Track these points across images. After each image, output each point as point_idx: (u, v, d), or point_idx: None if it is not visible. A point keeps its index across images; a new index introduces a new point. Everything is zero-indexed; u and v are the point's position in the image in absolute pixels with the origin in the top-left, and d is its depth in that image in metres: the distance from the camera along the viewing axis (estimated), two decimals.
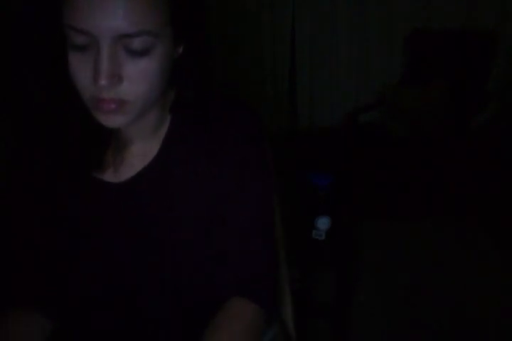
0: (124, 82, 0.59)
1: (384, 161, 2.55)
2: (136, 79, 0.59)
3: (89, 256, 0.72)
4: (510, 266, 2.05)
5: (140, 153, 0.72)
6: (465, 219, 2.37)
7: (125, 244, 0.72)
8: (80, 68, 0.59)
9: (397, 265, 2.09)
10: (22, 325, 0.71)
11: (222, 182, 0.70)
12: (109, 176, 0.72)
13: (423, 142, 2.55)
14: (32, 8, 0.63)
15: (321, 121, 3.28)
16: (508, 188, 2.49)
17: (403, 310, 1.84)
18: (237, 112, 0.72)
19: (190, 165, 0.71)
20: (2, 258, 0.74)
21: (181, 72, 0.69)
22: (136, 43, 0.57)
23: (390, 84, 2.96)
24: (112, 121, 0.62)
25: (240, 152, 0.71)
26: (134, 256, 0.72)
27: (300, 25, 3.07)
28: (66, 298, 0.75)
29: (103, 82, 0.56)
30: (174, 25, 0.61)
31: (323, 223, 1.51)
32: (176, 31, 0.62)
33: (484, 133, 2.66)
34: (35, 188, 0.73)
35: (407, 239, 2.27)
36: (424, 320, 1.79)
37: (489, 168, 2.64)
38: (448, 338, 1.72)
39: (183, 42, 0.66)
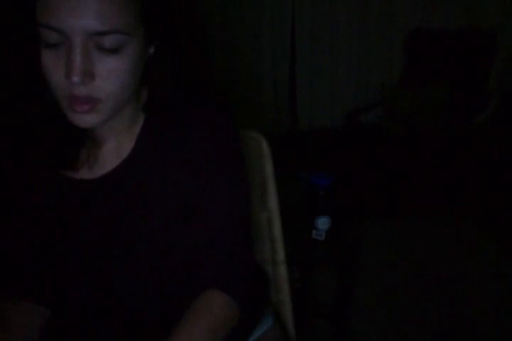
0: (96, 79, 0.60)
1: (384, 161, 2.55)
2: (107, 78, 0.61)
3: (67, 251, 0.74)
4: (510, 265, 2.05)
5: (114, 151, 0.73)
6: (465, 219, 2.37)
7: (100, 239, 0.73)
8: (53, 66, 0.60)
9: (397, 265, 2.09)
10: (16, 315, 0.73)
11: (193, 179, 0.72)
12: (83, 173, 0.73)
13: (423, 142, 2.56)
14: (4, 6, 0.63)
15: (321, 122, 3.28)
16: (508, 188, 2.49)
17: (403, 310, 1.84)
18: (208, 112, 0.73)
19: (163, 163, 0.72)
20: None
21: (154, 71, 0.70)
22: (108, 41, 0.59)
23: (390, 84, 2.96)
24: (83, 121, 0.63)
25: (211, 150, 0.72)
26: (109, 251, 0.73)
27: (300, 25, 3.07)
28: (53, 290, 0.77)
29: (75, 78, 0.58)
30: (145, 25, 0.62)
31: (323, 223, 1.51)
32: (147, 31, 0.63)
33: (484, 133, 2.66)
34: (8, 187, 0.74)
35: (407, 239, 2.27)
36: (425, 319, 1.79)
37: (489, 168, 2.64)
38: (448, 338, 1.72)
39: (154, 42, 0.67)
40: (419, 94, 2.68)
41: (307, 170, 1.64)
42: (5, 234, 0.76)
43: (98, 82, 0.60)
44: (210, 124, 0.72)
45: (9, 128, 0.74)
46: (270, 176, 0.95)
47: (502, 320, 1.77)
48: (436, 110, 2.65)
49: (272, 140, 0.95)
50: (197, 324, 0.68)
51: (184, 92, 0.75)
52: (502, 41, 2.85)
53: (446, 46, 2.80)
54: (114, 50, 0.60)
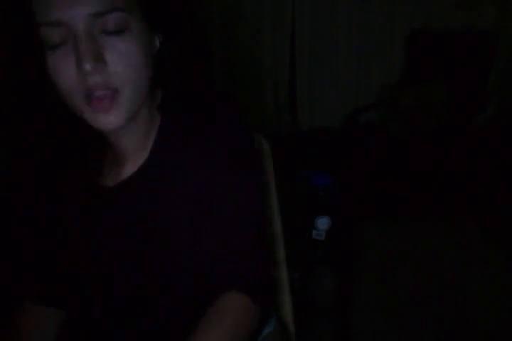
0: (108, 65, 0.60)
1: (384, 161, 2.55)
2: (119, 61, 0.60)
3: (86, 256, 0.74)
4: (509, 266, 2.05)
5: (132, 156, 0.73)
6: (464, 220, 2.37)
7: (118, 243, 0.73)
8: (62, 67, 0.59)
9: (397, 265, 2.09)
10: (33, 318, 0.74)
11: (210, 182, 0.71)
12: (104, 180, 0.73)
13: (423, 142, 2.55)
14: (3, 13, 0.63)
15: (321, 121, 3.28)
16: (508, 188, 2.49)
17: (403, 310, 1.84)
18: (225, 113, 0.72)
19: (177, 168, 0.71)
20: (6, 256, 0.76)
21: (163, 67, 0.69)
22: (111, 22, 0.58)
23: (390, 84, 2.96)
24: (108, 120, 0.62)
25: (228, 153, 0.71)
26: (126, 256, 0.73)
27: (300, 26, 3.07)
28: (67, 295, 0.77)
29: (87, 65, 0.57)
30: (142, 4, 0.62)
31: (323, 223, 1.51)
32: (146, 12, 0.63)
33: (484, 133, 2.66)
34: (31, 195, 0.74)
35: (407, 239, 2.27)
36: (424, 320, 1.79)
37: (489, 168, 2.64)
38: (448, 338, 1.72)
39: (157, 30, 0.67)
40: (419, 94, 2.68)
41: (307, 170, 1.64)
42: (23, 240, 0.75)
43: (111, 67, 0.60)
44: (229, 126, 0.71)
45: (32, 140, 0.73)
46: (270, 176, 0.95)
47: (502, 320, 1.77)
48: (436, 110, 2.65)
49: (272, 140, 0.95)
50: (218, 326, 0.66)
51: (195, 93, 0.75)
52: (502, 41, 2.85)
53: (446, 46, 2.79)
54: (118, 32, 0.59)
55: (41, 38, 0.59)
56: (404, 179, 2.56)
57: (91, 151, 0.72)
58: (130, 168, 0.73)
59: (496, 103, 2.93)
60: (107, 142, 0.73)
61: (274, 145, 0.95)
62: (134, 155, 0.73)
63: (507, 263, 2.06)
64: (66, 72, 0.59)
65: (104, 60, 0.59)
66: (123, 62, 0.60)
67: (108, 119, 0.62)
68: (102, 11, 0.57)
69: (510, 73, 3.02)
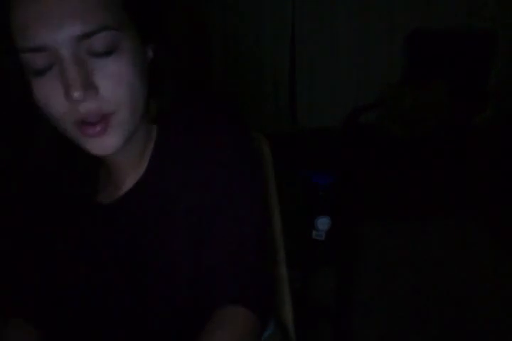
0: (99, 90, 0.55)
1: (384, 161, 2.55)
2: (111, 84, 0.55)
3: (83, 274, 0.71)
4: (509, 266, 2.05)
5: (128, 172, 0.70)
6: (465, 219, 2.37)
7: (117, 260, 0.71)
8: (49, 92, 0.55)
9: (397, 265, 2.09)
10: (15, 336, 0.71)
11: (209, 195, 0.68)
12: (102, 197, 0.71)
13: (423, 142, 2.56)
14: None
15: (321, 121, 3.28)
16: (508, 188, 2.49)
17: (403, 310, 1.84)
18: (223, 122, 0.68)
19: (177, 179, 0.68)
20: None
21: (157, 77, 0.65)
22: (98, 43, 0.54)
23: (390, 84, 2.96)
24: (103, 145, 0.58)
25: (228, 164, 0.68)
26: (125, 272, 0.71)
27: (300, 25, 3.07)
28: (59, 314, 0.74)
29: (76, 93, 0.53)
30: (132, 16, 0.58)
31: (323, 223, 1.51)
32: (137, 23, 0.59)
33: (484, 133, 2.66)
34: (22, 212, 0.72)
35: (407, 239, 2.27)
36: (425, 319, 1.79)
37: (489, 168, 2.64)
38: (448, 338, 1.72)
39: (150, 41, 0.63)
40: (420, 94, 2.68)
41: (307, 170, 1.64)
42: (17, 257, 0.73)
43: (103, 92, 0.55)
44: (228, 136, 0.68)
45: (22, 159, 0.70)
46: (270, 176, 0.94)
47: (502, 321, 1.76)
48: (436, 110, 2.65)
49: (271, 140, 0.95)
50: (221, 338, 0.63)
51: (192, 99, 0.71)
52: (502, 41, 2.85)
53: (446, 46, 2.80)
54: (108, 52, 0.55)
55: (24, 64, 0.54)
56: (404, 179, 2.55)
57: (85, 169, 0.69)
58: (127, 184, 0.70)
59: (496, 103, 2.94)
60: (100, 159, 0.69)
61: (274, 145, 0.94)
62: (130, 171, 0.70)
63: (507, 263, 2.06)
64: (54, 99, 0.55)
65: (94, 85, 0.55)
66: (116, 85, 0.56)
67: (103, 144, 0.59)
68: (88, 32, 0.53)
69: (510, 73, 3.02)
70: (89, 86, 0.54)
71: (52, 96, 0.55)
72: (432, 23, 2.96)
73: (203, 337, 0.62)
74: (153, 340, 0.74)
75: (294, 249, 1.52)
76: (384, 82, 3.02)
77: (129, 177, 0.70)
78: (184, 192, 0.68)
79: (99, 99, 0.55)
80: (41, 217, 0.71)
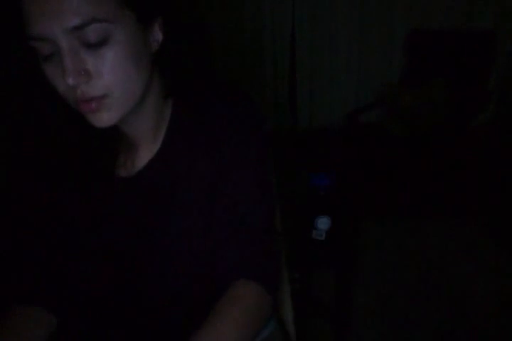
0: (93, 77, 0.60)
1: (384, 161, 2.55)
2: (104, 72, 0.60)
3: (95, 249, 0.73)
4: (510, 266, 2.05)
5: (146, 146, 0.74)
6: (465, 220, 2.37)
7: (130, 234, 0.73)
8: (54, 76, 0.61)
9: (397, 265, 2.09)
10: (26, 321, 0.72)
11: (221, 170, 0.71)
12: (121, 171, 0.74)
13: (423, 142, 2.55)
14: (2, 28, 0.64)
15: (321, 121, 3.28)
16: (508, 188, 2.49)
17: (403, 310, 1.84)
18: (236, 101, 0.73)
19: (191, 155, 0.72)
20: (4, 255, 0.75)
21: (165, 58, 0.69)
22: (90, 34, 0.57)
23: (390, 84, 2.96)
24: (99, 119, 0.63)
25: (239, 140, 0.71)
26: (138, 246, 0.73)
27: (300, 25, 3.07)
28: (69, 293, 0.75)
29: (70, 80, 0.58)
30: (132, 6, 0.60)
31: (323, 223, 1.51)
32: (137, 15, 0.61)
33: (484, 133, 2.66)
34: (43, 185, 0.74)
35: (407, 239, 2.27)
36: (424, 320, 1.79)
37: (489, 168, 2.64)
38: (448, 338, 1.72)
39: (152, 23, 0.65)
40: (419, 93, 2.68)
41: (307, 170, 1.64)
42: (27, 232, 0.75)
43: (96, 79, 0.60)
44: (240, 114, 0.72)
45: (45, 130, 0.73)
46: (270, 176, 0.94)
47: (502, 320, 1.77)
48: (436, 110, 2.65)
49: (271, 140, 0.95)
50: (228, 312, 0.65)
51: (205, 79, 0.75)
52: (502, 41, 2.85)
53: (446, 46, 2.79)
54: (101, 43, 0.58)
55: (35, 50, 0.60)
56: (404, 179, 2.55)
57: (105, 141, 0.73)
58: (145, 158, 0.73)
59: (496, 103, 2.93)
60: (120, 132, 0.73)
61: (274, 145, 0.95)
62: (148, 145, 0.74)
63: (507, 263, 2.06)
64: (57, 80, 0.61)
65: (88, 72, 0.59)
66: (109, 72, 0.60)
67: (100, 118, 0.63)
68: (79, 24, 0.56)
69: (510, 73, 3.02)
70: (82, 73, 0.59)
71: (56, 78, 0.61)
72: (432, 23, 2.96)
73: (215, 311, 0.65)
74: (166, 316, 0.75)
75: (294, 249, 1.52)
76: (384, 82, 3.02)
77: (148, 152, 0.74)
78: (197, 167, 0.71)
79: (92, 85, 0.60)
80: (61, 191, 0.73)
